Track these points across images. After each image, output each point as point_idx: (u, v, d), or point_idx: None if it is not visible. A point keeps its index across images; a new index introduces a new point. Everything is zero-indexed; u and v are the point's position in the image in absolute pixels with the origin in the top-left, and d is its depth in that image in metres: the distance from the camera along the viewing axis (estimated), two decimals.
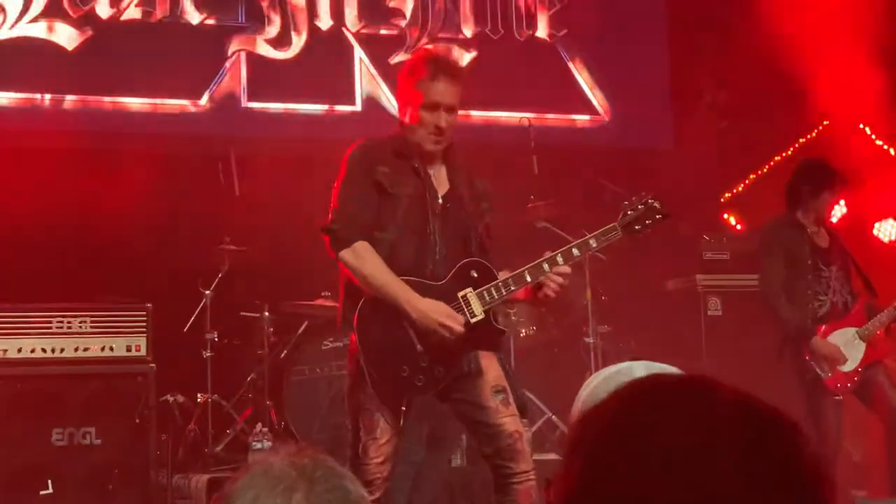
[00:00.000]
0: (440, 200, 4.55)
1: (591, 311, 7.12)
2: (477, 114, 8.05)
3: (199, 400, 6.89)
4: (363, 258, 4.40)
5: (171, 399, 6.79)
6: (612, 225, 4.56)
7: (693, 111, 8.78)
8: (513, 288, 4.46)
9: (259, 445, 6.36)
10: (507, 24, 8.38)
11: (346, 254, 4.41)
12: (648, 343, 7.10)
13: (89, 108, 7.62)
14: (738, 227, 8.77)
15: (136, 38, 7.68)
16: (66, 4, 7.55)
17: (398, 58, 8.13)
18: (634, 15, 8.69)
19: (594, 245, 4.53)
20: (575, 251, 4.49)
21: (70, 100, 7.60)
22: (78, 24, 7.57)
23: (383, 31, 8.20)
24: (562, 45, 8.50)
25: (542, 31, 8.46)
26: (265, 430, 6.49)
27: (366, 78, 8.11)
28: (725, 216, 8.78)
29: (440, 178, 4.61)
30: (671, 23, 8.74)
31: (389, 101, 8.07)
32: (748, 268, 7.59)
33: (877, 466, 6.68)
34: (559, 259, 4.45)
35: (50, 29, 7.53)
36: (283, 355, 7.06)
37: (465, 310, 4.43)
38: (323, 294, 7.16)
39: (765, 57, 9.02)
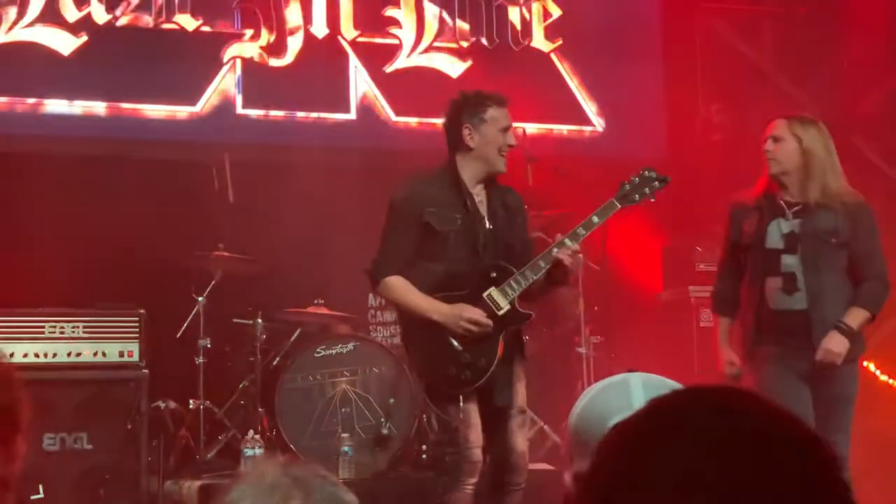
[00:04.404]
0: (487, 224, 5.00)
1: (584, 321, 7.13)
2: None
3: (190, 406, 6.86)
4: (393, 288, 4.99)
5: (162, 405, 6.77)
6: (609, 200, 4.99)
7: (687, 123, 8.79)
8: (529, 276, 4.90)
9: (251, 452, 6.35)
10: (502, 33, 8.38)
11: (381, 288, 5.05)
12: (641, 354, 7.10)
13: (83, 113, 7.61)
14: None
15: (132, 44, 7.68)
16: (61, 10, 7.54)
17: (393, 66, 8.14)
18: (629, 26, 8.69)
19: (596, 221, 4.95)
20: (581, 230, 4.91)
21: (64, 105, 7.59)
22: (73, 29, 7.56)
23: (378, 40, 8.19)
24: (557, 56, 8.51)
25: (537, 42, 8.46)
26: (257, 437, 6.48)
27: (360, 86, 8.11)
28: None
29: (482, 201, 5.06)
30: (665, 34, 8.75)
31: (384, 110, 8.08)
32: None
33: (864, 478, 6.67)
34: (567, 242, 4.88)
35: (45, 34, 7.52)
36: (275, 363, 7.05)
37: (493, 306, 4.91)
38: (316, 302, 7.16)
39: (760, 69, 9.06)
